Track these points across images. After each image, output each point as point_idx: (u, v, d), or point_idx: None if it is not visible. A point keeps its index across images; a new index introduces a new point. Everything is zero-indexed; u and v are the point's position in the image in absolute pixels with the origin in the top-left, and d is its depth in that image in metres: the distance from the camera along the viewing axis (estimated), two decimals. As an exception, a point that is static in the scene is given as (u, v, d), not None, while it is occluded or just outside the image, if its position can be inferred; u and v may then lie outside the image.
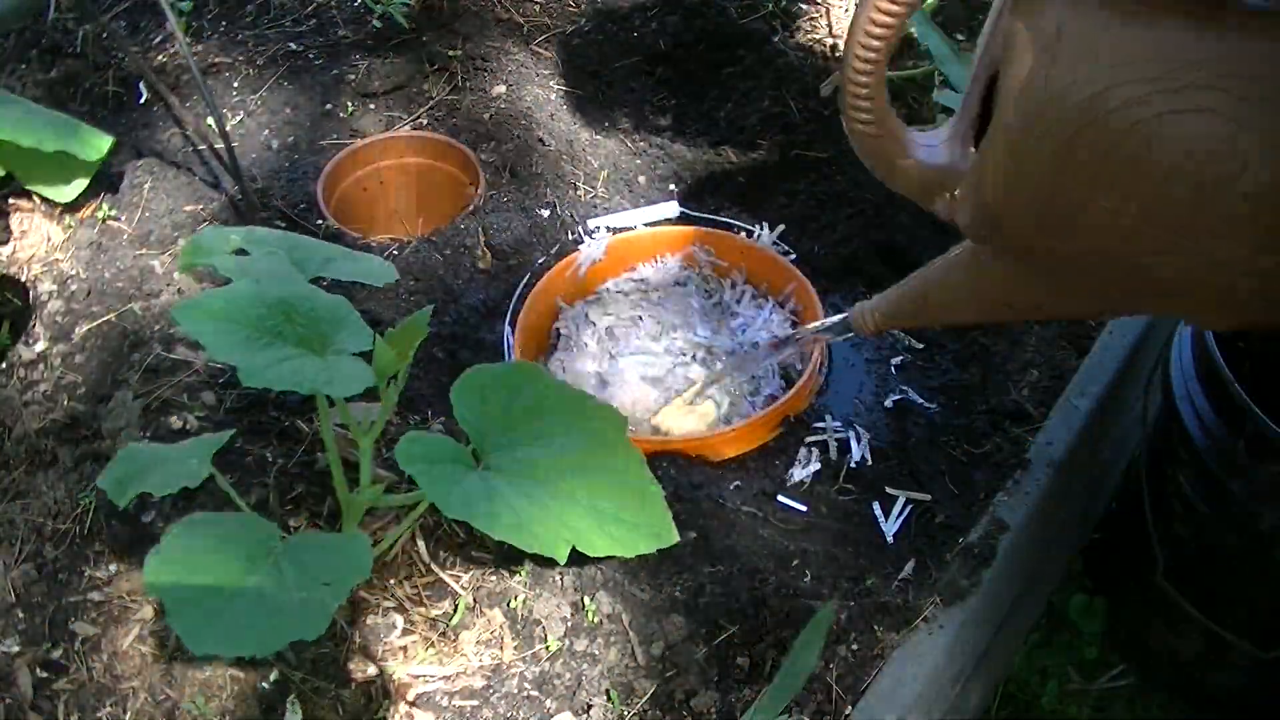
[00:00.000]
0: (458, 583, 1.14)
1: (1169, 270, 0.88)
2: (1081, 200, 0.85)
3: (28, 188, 1.52)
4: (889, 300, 1.11)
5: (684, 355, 1.37)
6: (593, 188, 1.56)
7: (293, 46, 1.76)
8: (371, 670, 1.08)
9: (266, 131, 1.65)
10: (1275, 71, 0.75)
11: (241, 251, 1.10)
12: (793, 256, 1.46)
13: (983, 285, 1.02)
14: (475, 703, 1.07)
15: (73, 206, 1.54)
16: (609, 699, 1.06)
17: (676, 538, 1.08)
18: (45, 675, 1.10)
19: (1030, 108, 0.83)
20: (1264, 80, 0.76)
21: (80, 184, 1.52)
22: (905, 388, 1.32)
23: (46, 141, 1.41)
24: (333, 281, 1.13)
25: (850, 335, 1.16)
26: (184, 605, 0.89)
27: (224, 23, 1.83)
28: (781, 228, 1.49)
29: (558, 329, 1.43)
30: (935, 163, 0.94)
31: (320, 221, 1.50)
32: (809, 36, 1.77)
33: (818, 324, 1.21)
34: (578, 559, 1.07)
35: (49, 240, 1.52)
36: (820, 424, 1.28)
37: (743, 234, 1.48)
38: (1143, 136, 0.79)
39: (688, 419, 1.29)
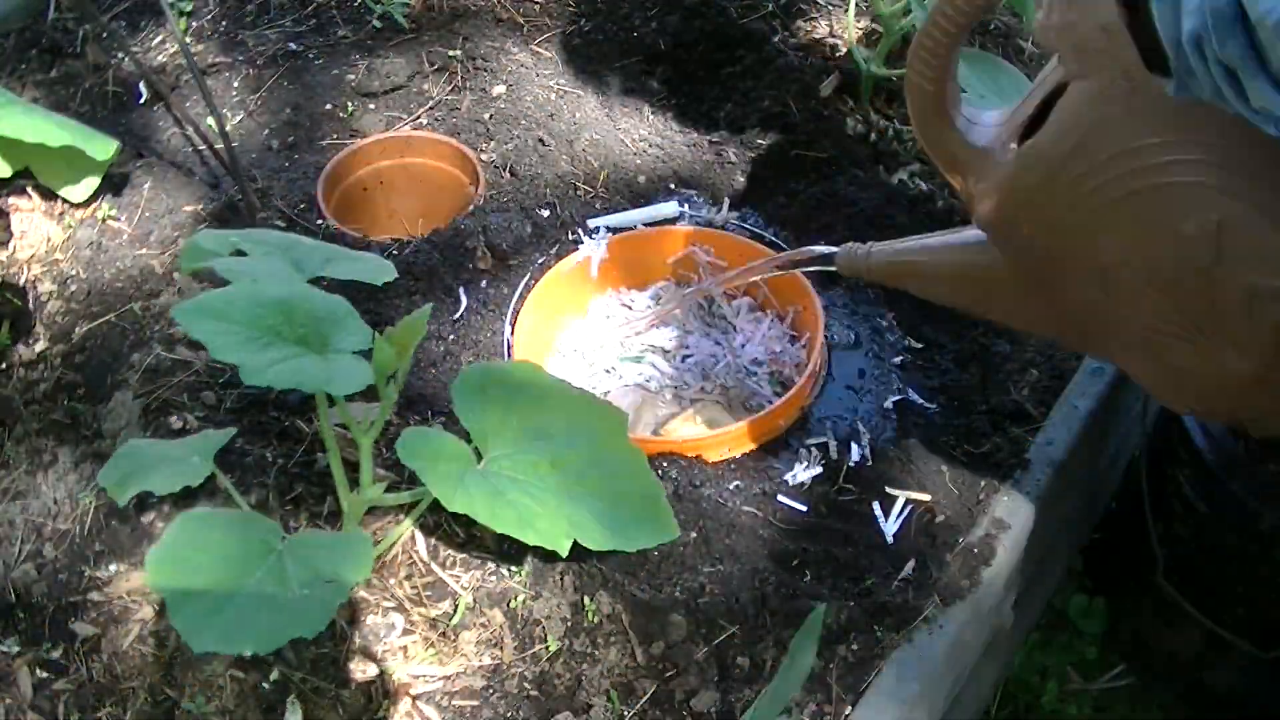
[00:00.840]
0: (458, 583, 1.14)
1: (1137, 329, 0.91)
2: (1082, 240, 0.88)
3: (44, 183, 1.53)
4: (883, 255, 1.10)
5: (682, 364, 1.36)
6: (593, 188, 1.56)
7: (293, 46, 1.76)
8: (371, 670, 1.08)
9: (266, 131, 1.65)
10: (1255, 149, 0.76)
11: (240, 253, 1.10)
12: (793, 256, 1.46)
13: (972, 273, 1.03)
14: (475, 703, 1.07)
15: (73, 207, 1.54)
16: (609, 699, 1.06)
17: (678, 532, 1.08)
18: (45, 675, 1.10)
19: (1062, 149, 0.86)
20: (1248, 158, 0.78)
21: (92, 182, 1.53)
22: (905, 388, 1.32)
23: (53, 138, 1.42)
24: (333, 281, 1.13)
25: (829, 269, 1.18)
26: (185, 602, 0.89)
27: (224, 23, 1.83)
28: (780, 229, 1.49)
29: (557, 334, 1.42)
30: (977, 143, 0.94)
31: (320, 221, 1.50)
32: (809, 36, 1.77)
33: (809, 249, 1.19)
34: (578, 557, 1.07)
35: (49, 240, 1.52)
36: (820, 424, 1.28)
37: (742, 234, 1.48)
38: (1162, 199, 0.82)
39: (690, 428, 1.29)
